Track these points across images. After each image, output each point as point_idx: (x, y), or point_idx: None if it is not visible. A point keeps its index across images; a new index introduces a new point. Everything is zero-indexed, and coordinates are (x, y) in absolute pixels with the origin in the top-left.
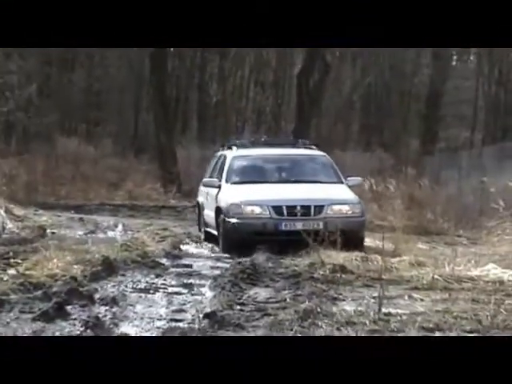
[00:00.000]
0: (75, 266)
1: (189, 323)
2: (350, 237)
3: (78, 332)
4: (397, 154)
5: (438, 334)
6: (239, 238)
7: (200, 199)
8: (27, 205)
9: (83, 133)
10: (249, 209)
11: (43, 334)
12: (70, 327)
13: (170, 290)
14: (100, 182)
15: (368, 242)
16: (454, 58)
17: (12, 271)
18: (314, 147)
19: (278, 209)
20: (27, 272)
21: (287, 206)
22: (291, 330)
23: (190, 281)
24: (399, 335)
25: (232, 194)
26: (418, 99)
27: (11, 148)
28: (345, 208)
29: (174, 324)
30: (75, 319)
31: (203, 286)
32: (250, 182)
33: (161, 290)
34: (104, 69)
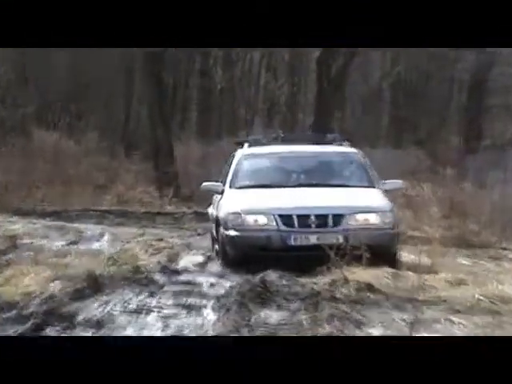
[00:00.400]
0: (54, 283)
1: None
2: (379, 253)
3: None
4: (433, 152)
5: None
6: (239, 254)
7: (210, 210)
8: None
9: (64, 126)
10: (251, 219)
11: None
12: None
13: (166, 311)
14: (84, 183)
15: (402, 255)
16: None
17: None
18: (346, 143)
19: (287, 219)
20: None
21: (298, 216)
22: None
23: (189, 301)
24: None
25: (233, 202)
26: (460, 88)
27: None
28: (372, 218)
29: None
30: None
31: (205, 306)
32: (259, 187)
33: (155, 312)
34: (90, 52)
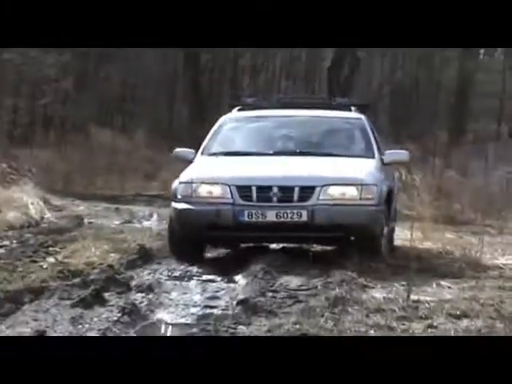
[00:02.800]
0: (112, 255)
1: (222, 310)
2: (356, 235)
3: (116, 318)
4: (424, 145)
5: (465, 321)
6: (184, 233)
7: None
8: (65, 195)
9: (118, 125)
10: (204, 190)
11: (81, 321)
12: (107, 313)
13: (205, 277)
14: (135, 172)
15: (396, 231)
16: (482, 51)
17: (51, 259)
18: (353, 108)
19: (244, 190)
20: (66, 260)
21: (258, 187)
22: (322, 316)
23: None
24: (403, 335)
25: (190, 169)
26: (447, 92)
27: (49, 140)
28: (349, 191)
29: (208, 310)
30: (112, 305)
31: (237, 273)
32: (235, 154)
33: (195, 278)
34: (139, 62)
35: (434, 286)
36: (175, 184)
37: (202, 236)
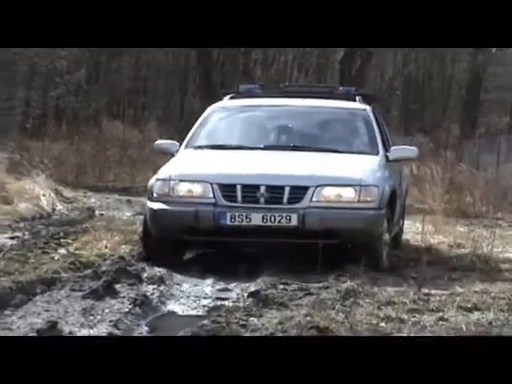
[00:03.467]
0: (123, 246)
1: (234, 302)
2: (352, 242)
3: (127, 310)
4: (436, 138)
5: (476, 313)
6: (159, 236)
7: None
8: (76, 187)
9: (130, 117)
10: (184, 188)
11: (92, 312)
12: (118, 305)
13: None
14: (147, 164)
15: (408, 224)
16: None
17: (63, 251)
18: (358, 98)
19: (228, 189)
20: (77, 252)
21: (244, 186)
22: (333, 308)
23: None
24: (401, 335)
25: (170, 164)
26: (459, 85)
27: (61, 132)
28: (347, 193)
29: (219, 302)
30: (124, 297)
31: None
32: (222, 148)
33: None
34: (151, 55)
35: (446, 278)
36: (152, 181)
37: (178, 240)
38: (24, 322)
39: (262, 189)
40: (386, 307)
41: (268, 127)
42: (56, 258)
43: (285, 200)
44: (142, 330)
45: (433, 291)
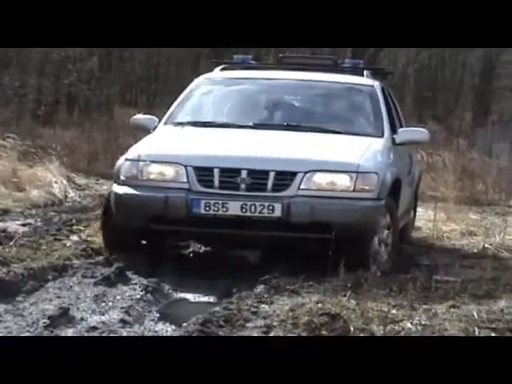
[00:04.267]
0: None
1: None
2: (345, 240)
3: (139, 296)
4: (449, 125)
5: (488, 301)
6: (121, 224)
7: None
8: (88, 174)
9: (142, 104)
10: (153, 170)
11: (104, 298)
12: (130, 291)
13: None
14: None
15: (420, 211)
16: None
17: (75, 238)
18: (367, 73)
19: (205, 173)
20: (89, 238)
21: (222, 170)
22: (344, 296)
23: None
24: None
25: (142, 143)
26: (472, 72)
27: (73, 119)
28: (341, 180)
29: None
30: (135, 284)
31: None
32: (205, 125)
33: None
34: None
35: (457, 266)
36: (120, 161)
37: (144, 229)
38: (36, 309)
39: (244, 173)
40: (398, 294)
41: (260, 103)
42: (68, 244)
43: (269, 187)
44: (154, 317)
45: (444, 278)
